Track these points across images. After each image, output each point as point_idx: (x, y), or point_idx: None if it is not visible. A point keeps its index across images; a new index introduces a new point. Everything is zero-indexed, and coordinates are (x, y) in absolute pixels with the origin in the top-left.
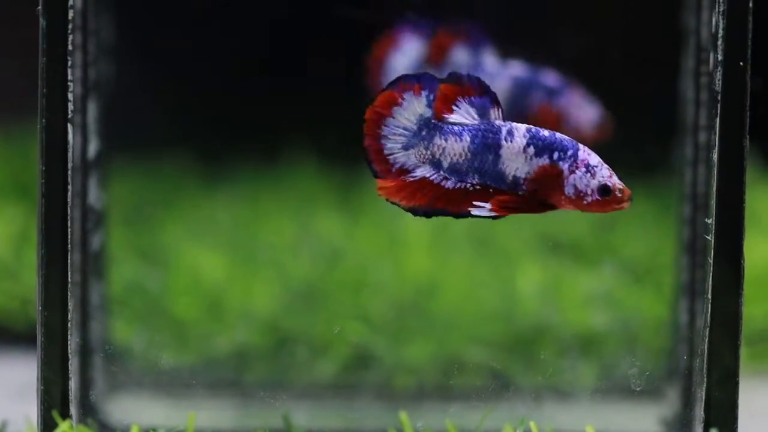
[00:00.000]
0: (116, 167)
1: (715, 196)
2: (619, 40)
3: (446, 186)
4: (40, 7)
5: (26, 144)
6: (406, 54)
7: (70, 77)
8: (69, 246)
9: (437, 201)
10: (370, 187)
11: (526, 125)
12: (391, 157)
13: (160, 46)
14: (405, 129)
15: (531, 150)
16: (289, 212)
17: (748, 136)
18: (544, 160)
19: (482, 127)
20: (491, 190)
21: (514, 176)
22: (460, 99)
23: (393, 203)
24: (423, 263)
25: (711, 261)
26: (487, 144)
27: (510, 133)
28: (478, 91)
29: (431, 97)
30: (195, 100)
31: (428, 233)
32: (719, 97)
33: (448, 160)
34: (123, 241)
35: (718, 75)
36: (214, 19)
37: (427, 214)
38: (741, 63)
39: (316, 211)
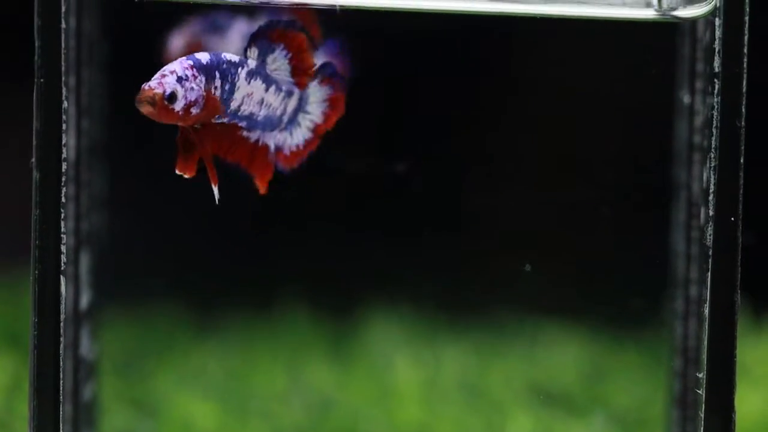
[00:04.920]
0: (108, 318)
1: (706, 350)
2: (610, 192)
3: None
4: (33, 160)
5: (18, 293)
6: None
7: (63, 229)
8: (61, 397)
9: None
10: (361, 337)
11: None
12: None
13: (153, 198)
14: None
15: None
16: (281, 362)
17: (739, 291)
18: None
19: None
20: None
21: None
22: None
23: None
24: (414, 413)
25: (702, 415)
26: None
27: None
28: None
29: None
30: (187, 251)
31: (419, 383)
32: (710, 252)
33: None
34: (114, 392)
35: (710, 230)
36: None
37: None
38: (732, 218)
39: (307, 360)
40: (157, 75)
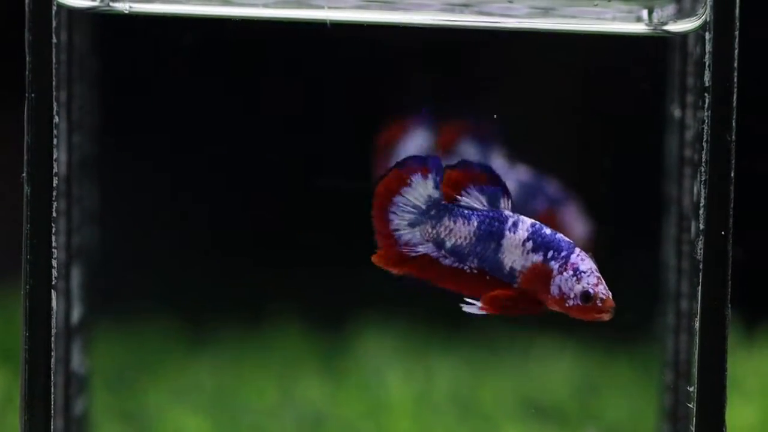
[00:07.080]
0: (99, 332)
1: (696, 364)
2: (600, 206)
3: (444, 263)
4: (24, 175)
5: (9, 307)
6: (413, 142)
7: (54, 244)
8: (52, 412)
9: (430, 273)
10: (353, 351)
11: (532, 220)
12: (396, 233)
13: (144, 213)
14: (413, 207)
15: (529, 245)
16: (273, 376)
17: (729, 305)
18: (538, 257)
19: (491, 214)
20: (487, 277)
21: (511, 267)
22: (470, 185)
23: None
24: (406, 427)
25: (693, 429)
26: (492, 231)
27: (515, 224)
28: (490, 180)
29: (438, 179)
30: (179, 266)
31: (411, 397)
32: (701, 266)
33: (452, 241)
34: (106, 406)
35: (700, 244)
36: (194, 186)
37: (416, 282)
38: (722, 232)
39: (299, 375)
40: (595, 279)
